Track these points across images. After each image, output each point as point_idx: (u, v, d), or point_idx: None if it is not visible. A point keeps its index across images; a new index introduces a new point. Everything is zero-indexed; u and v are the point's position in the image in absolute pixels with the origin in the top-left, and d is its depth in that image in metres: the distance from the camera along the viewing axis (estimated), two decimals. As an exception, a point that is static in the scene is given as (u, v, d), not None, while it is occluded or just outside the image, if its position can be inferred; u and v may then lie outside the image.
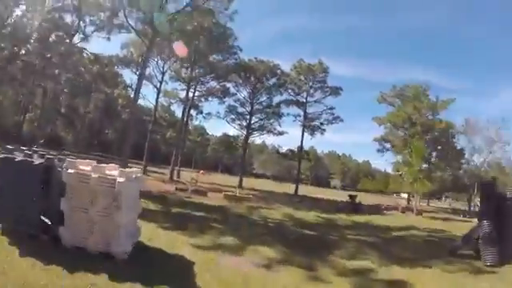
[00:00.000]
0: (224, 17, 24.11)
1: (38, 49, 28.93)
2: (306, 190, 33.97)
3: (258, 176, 68.50)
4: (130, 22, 19.92)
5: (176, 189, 17.67)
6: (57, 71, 29.36)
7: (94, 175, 4.75)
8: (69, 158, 5.50)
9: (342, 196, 26.83)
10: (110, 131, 58.07)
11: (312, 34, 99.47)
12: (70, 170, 4.83)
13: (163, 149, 57.74)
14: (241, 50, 29.80)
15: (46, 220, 5.10)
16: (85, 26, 26.38)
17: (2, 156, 5.39)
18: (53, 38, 27.63)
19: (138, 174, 5.60)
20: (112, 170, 5.06)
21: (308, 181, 74.33)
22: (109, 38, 26.99)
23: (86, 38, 27.58)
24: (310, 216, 14.93)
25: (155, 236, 6.51)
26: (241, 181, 29.79)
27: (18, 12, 28.42)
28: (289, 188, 34.94)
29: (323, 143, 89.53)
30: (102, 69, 34.81)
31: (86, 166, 5.11)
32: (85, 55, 30.36)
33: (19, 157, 5.33)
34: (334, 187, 78.63)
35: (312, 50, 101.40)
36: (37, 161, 5.27)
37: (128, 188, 4.83)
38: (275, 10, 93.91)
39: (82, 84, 37.79)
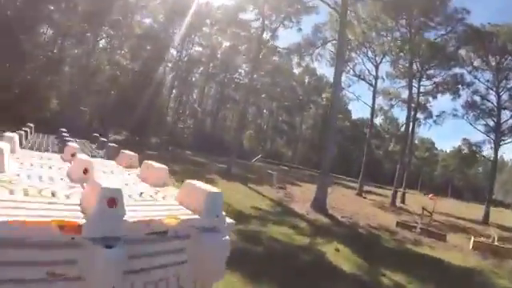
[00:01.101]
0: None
1: (248, 70, 31.29)
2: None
3: (495, 204, 47.82)
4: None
5: (397, 224, 12.70)
6: (268, 87, 30.41)
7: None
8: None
9: None
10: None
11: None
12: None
13: (387, 166, 49.85)
14: (468, 12, 21.22)
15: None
16: (270, 23, 24.46)
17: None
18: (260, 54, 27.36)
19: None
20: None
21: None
22: (300, 29, 24.50)
23: (273, 34, 25.53)
24: None
25: None
26: (487, 214, 20.30)
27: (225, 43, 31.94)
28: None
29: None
30: (311, 78, 33.39)
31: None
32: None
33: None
34: None
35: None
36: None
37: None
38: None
39: (296, 99, 37.89)
